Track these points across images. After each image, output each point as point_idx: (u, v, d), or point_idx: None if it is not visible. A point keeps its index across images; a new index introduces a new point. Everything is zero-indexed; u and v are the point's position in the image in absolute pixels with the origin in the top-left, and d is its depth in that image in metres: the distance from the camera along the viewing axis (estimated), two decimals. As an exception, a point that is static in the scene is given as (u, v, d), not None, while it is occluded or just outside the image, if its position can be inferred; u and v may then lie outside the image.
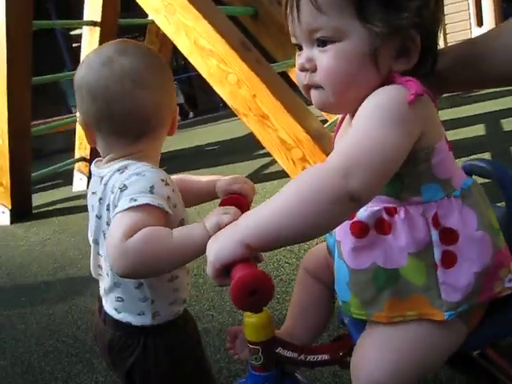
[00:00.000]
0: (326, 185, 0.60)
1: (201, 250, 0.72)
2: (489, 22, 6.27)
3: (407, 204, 0.71)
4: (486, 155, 2.97)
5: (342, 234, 0.75)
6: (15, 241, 3.28)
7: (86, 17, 3.98)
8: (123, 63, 0.84)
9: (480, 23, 6.43)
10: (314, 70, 0.71)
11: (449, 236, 0.71)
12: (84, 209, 3.19)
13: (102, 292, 0.94)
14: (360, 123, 0.66)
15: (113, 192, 0.82)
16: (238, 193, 0.92)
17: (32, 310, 2.14)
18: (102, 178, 0.87)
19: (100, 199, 0.86)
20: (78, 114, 0.92)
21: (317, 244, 1.00)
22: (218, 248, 0.63)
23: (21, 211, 3.75)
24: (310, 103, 0.80)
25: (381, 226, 0.72)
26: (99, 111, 0.84)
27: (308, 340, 0.96)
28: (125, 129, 0.86)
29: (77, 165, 4.42)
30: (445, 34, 6.42)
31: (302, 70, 0.73)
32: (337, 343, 0.92)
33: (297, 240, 0.64)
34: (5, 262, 2.91)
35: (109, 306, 0.92)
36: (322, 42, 0.69)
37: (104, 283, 0.92)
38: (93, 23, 3.94)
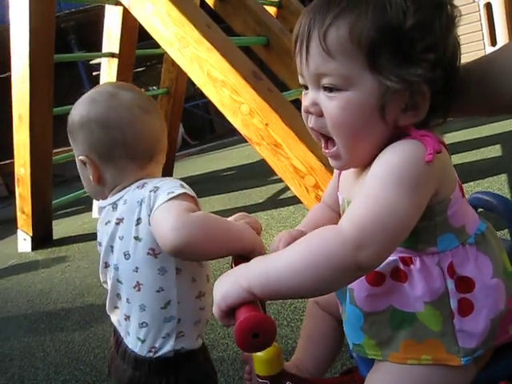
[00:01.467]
0: (338, 254, 0.59)
1: (243, 242, 0.82)
2: (503, 41, 6.26)
3: (423, 254, 0.70)
4: (503, 177, 2.94)
5: (354, 282, 0.72)
6: (36, 268, 3.35)
7: (105, 49, 4.11)
8: (128, 94, 0.93)
9: (494, 43, 6.42)
10: (319, 114, 0.69)
11: (465, 284, 0.70)
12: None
13: (121, 324, 0.94)
14: (374, 185, 0.64)
15: (142, 203, 0.86)
16: None
17: (51, 338, 2.18)
18: (115, 203, 0.92)
19: (120, 220, 0.89)
20: (75, 153, 0.97)
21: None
22: (225, 290, 0.64)
23: (42, 238, 3.83)
24: None
25: (397, 274, 0.71)
26: (113, 138, 0.90)
27: (317, 372, 0.96)
28: (137, 152, 0.93)
29: (96, 192, 4.49)
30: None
31: (306, 112, 0.71)
32: (346, 377, 0.92)
33: (299, 296, 0.66)
34: (25, 289, 2.97)
35: (131, 337, 0.92)
36: (329, 89, 0.67)
37: (124, 311, 0.92)
38: (111, 55, 4.06)
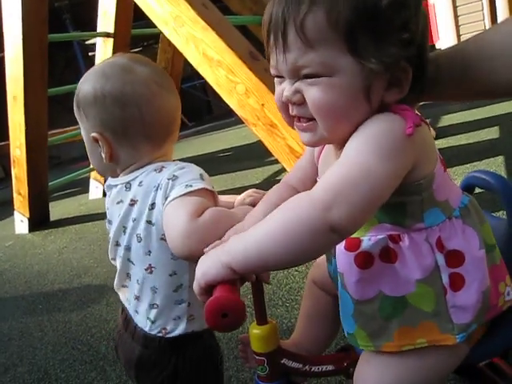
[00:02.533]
0: (308, 216, 0.59)
1: None
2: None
3: (410, 231, 0.70)
4: (500, 158, 2.93)
5: (344, 266, 0.73)
6: (33, 249, 3.36)
7: (100, 28, 4.06)
8: (143, 69, 0.88)
9: (494, 23, 6.36)
10: (301, 102, 0.68)
11: (454, 258, 0.70)
12: (100, 217, 3.23)
13: (130, 302, 0.94)
14: (350, 153, 0.64)
15: (158, 189, 0.83)
16: (253, 205, 0.93)
17: (49, 318, 2.20)
18: (128, 183, 0.89)
19: (134, 202, 0.87)
20: (83, 129, 0.92)
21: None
22: (206, 267, 0.64)
23: (39, 220, 3.83)
24: None
25: (386, 254, 0.70)
26: (129, 116, 0.86)
27: (316, 351, 0.97)
28: (154, 131, 0.89)
29: (93, 173, 4.49)
30: (458, 36, 6.38)
31: (288, 102, 0.69)
32: (341, 354, 0.93)
33: (279, 267, 0.64)
34: (23, 271, 2.98)
35: (141, 316, 0.92)
36: (310, 76, 0.66)
37: (134, 291, 0.91)
38: (106, 34, 4.01)
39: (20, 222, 3.81)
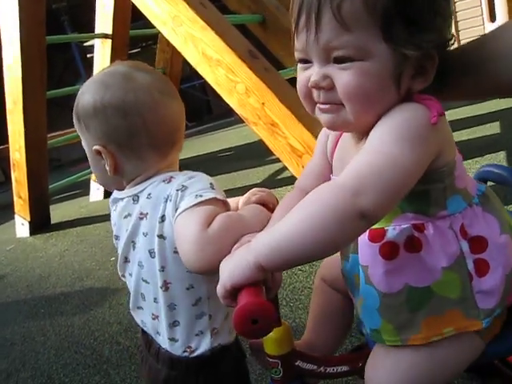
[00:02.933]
0: (336, 203, 0.59)
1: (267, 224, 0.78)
2: (502, 16, 6.19)
3: (434, 219, 0.70)
4: (501, 154, 2.92)
5: (368, 258, 0.73)
6: (34, 252, 3.35)
7: (98, 29, 4.04)
8: (145, 76, 0.85)
9: (493, 18, 6.34)
10: (330, 87, 0.67)
11: (478, 244, 0.71)
12: (101, 219, 3.22)
13: (148, 324, 0.90)
14: (375, 141, 0.65)
15: (167, 201, 0.80)
16: (259, 203, 0.91)
17: (51, 322, 2.18)
18: (136, 196, 0.85)
19: (144, 215, 0.83)
20: (85, 142, 0.88)
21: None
22: (232, 268, 0.63)
23: (39, 223, 3.82)
24: None
25: (411, 244, 0.70)
26: (133, 125, 0.82)
27: (329, 351, 0.96)
28: (159, 140, 0.86)
29: (93, 175, 4.48)
30: (457, 31, 6.35)
31: (316, 87, 0.68)
32: (356, 354, 0.92)
33: (308, 259, 0.63)
34: (24, 274, 2.97)
35: (163, 337, 0.88)
36: (341, 61, 0.65)
37: (152, 310, 0.88)
38: (104, 36, 4.00)
39: (21, 226, 3.80)
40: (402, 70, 0.66)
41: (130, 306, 0.93)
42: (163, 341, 0.88)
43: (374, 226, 0.68)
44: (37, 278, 2.85)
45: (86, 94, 0.85)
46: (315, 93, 0.69)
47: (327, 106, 0.69)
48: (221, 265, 0.66)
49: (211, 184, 0.82)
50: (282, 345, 0.80)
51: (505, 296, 0.72)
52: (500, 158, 2.86)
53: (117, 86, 0.83)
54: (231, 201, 0.95)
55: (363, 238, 0.73)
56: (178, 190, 0.80)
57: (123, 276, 0.94)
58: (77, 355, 1.84)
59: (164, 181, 0.84)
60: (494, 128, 3.62)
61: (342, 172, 0.63)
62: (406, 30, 0.64)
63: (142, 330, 0.94)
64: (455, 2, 6.53)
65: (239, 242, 0.72)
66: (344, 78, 0.65)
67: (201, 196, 0.78)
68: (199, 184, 0.81)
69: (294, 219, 0.61)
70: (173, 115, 0.87)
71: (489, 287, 0.71)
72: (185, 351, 0.86)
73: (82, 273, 2.72)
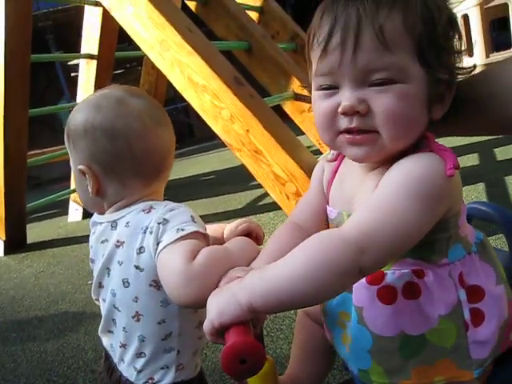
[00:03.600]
0: (340, 259, 0.58)
1: (254, 257, 0.77)
2: (479, 51, 6.40)
3: (434, 266, 0.69)
4: (481, 186, 2.98)
5: (364, 299, 0.72)
6: (8, 273, 3.25)
7: (83, 50, 4.04)
8: (137, 102, 0.85)
9: (470, 53, 6.55)
10: (366, 111, 0.64)
11: (475, 294, 0.70)
12: (79, 240, 3.14)
13: (115, 350, 0.89)
14: (388, 194, 0.63)
15: (146, 232, 0.79)
16: (245, 234, 0.91)
17: (23, 348, 2.11)
18: (114, 222, 0.84)
19: (120, 243, 0.82)
20: (72, 161, 0.88)
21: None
22: (222, 307, 0.61)
23: (15, 242, 3.72)
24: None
25: (410, 289, 0.69)
26: (119, 150, 0.82)
27: None
28: (144, 168, 0.85)
29: (72, 195, 4.41)
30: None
31: (349, 113, 0.65)
32: None
33: (301, 305, 0.63)
34: (-3, 296, 2.88)
35: (127, 365, 0.87)
36: (380, 83, 0.63)
37: (120, 339, 0.87)
38: (90, 56, 3.99)
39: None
40: (432, 94, 0.65)
41: (100, 329, 0.91)
42: (126, 369, 0.87)
43: None
44: (9, 299, 2.76)
45: (79, 114, 0.85)
46: (345, 120, 0.66)
47: (360, 137, 0.66)
48: (209, 300, 0.64)
49: (192, 217, 0.81)
50: (267, 381, 0.78)
51: (497, 347, 0.71)
52: (479, 189, 2.91)
53: (109, 109, 0.83)
54: (217, 226, 0.95)
55: (360, 280, 0.70)
56: (159, 224, 0.78)
57: (97, 300, 0.92)
58: None
59: (144, 210, 0.83)
60: (473, 159, 3.70)
61: (349, 220, 0.62)
62: (436, 53, 0.65)
63: (106, 355, 0.93)
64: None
65: (226, 276, 0.71)
66: (384, 101, 0.63)
67: (182, 230, 0.77)
68: (180, 217, 0.80)
69: (292, 265, 0.60)
70: (162, 144, 0.87)
71: (483, 338, 0.70)
72: (146, 382, 0.85)
73: (57, 296, 2.65)
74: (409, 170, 0.64)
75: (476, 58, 6.40)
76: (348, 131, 0.66)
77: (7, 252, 3.66)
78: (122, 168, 0.84)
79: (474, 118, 0.73)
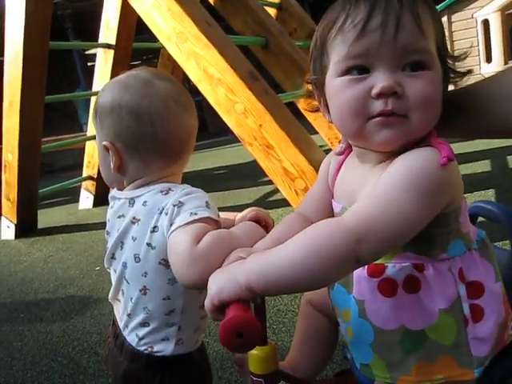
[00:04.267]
0: (338, 245, 0.59)
1: (258, 240, 0.78)
2: (497, 57, 6.34)
3: (434, 260, 0.70)
4: (490, 192, 2.96)
5: (366, 292, 0.72)
6: (18, 256, 3.31)
7: (101, 39, 4.08)
8: (164, 84, 0.88)
9: (489, 59, 6.50)
10: (402, 94, 0.65)
11: (475, 289, 0.71)
12: (88, 227, 3.18)
13: (121, 316, 0.93)
14: (389, 187, 0.63)
15: (162, 213, 0.82)
16: (254, 221, 0.92)
17: (30, 328, 2.15)
18: (132, 199, 0.87)
19: (136, 220, 0.85)
20: (98, 137, 0.91)
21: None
22: (221, 285, 0.63)
23: (26, 227, 3.78)
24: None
25: (410, 283, 0.70)
26: (142, 130, 0.85)
27: (312, 373, 0.96)
28: (166, 149, 0.88)
29: (84, 183, 4.46)
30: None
31: (386, 94, 0.65)
32: (339, 378, 0.92)
33: (297, 290, 0.65)
34: (6, 277, 2.92)
35: (130, 331, 0.90)
36: (414, 67, 0.65)
37: (127, 308, 0.90)
38: (107, 46, 4.03)
39: (6, 228, 3.76)
40: (444, 87, 0.69)
41: (109, 296, 0.95)
42: (128, 334, 0.90)
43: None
44: (19, 282, 2.81)
45: (107, 92, 0.88)
46: (379, 103, 0.65)
47: (391, 119, 0.66)
48: (210, 278, 0.66)
49: (207, 202, 0.83)
50: (266, 364, 0.80)
51: (495, 345, 0.72)
52: (489, 195, 2.90)
53: (136, 89, 0.86)
54: (227, 214, 0.98)
55: (361, 273, 0.72)
56: (174, 206, 0.81)
57: (108, 269, 0.96)
58: (53, 363, 1.80)
59: (162, 191, 0.85)
60: (484, 166, 3.68)
61: (350, 210, 0.63)
62: (446, 53, 0.70)
63: (113, 321, 0.97)
64: (453, 41, 6.69)
65: (229, 256, 0.72)
66: (419, 85, 0.65)
67: (195, 214, 0.79)
68: (196, 201, 0.82)
69: (292, 250, 0.61)
70: (184, 127, 0.89)
71: (483, 334, 0.70)
72: (147, 349, 0.89)
73: (65, 280, 2.69)
74: (408, 163, 0.65)
75: (494, 64, 6.35)
76: (381, 114, 0.66)
77: (18, 236, 3.72)
78: (144, 147, 0.86)
79: (476, 121, 0.75)
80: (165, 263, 0.83)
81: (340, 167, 0.82)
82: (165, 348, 0.88)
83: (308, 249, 0.60)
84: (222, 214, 0.95)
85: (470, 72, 0.74)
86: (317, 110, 0.81)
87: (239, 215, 0.96)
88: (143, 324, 0.88)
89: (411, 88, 0.65)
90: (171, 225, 0.79)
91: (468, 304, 0.70)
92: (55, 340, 1.99)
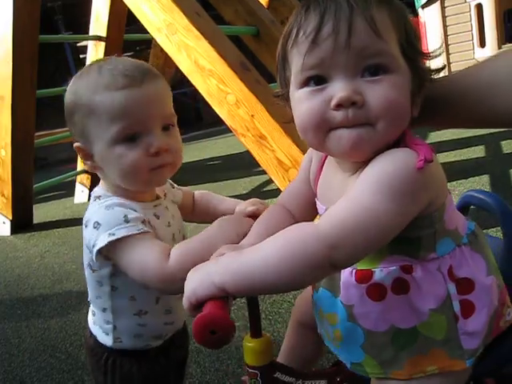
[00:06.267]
0: (311, 251, 0.59)
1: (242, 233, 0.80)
2: (491, 42, 6.32)
3: (423, 261, 0.69)
4: (485, 178, 2.97)
5: (354, 298, 0.71)
6: (14, 252, 3.30)
7: (92, 31, 4.04)
8: (93, 74, 0.85)
9: (483, 44, 6.47)
10: (362, 103, 0.62)
11: (465, 286, 0.70)
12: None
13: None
14: (362, 190, 0.62)
15: (86, 226, 0.84)
16: (253, 215, 0.92)
17: (27, 324, 2.15)
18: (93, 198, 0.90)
19: (84, 223, 0.87)
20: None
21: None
22: (196, 285, 0.63)
23: (21, 222, 3.77)
24: None
25: (399, 285, 0.69)
26: (81, 123, 0.85)
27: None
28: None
29: (79, 177, 4.45)
30: (448, 55, 6.46)
31: (344, 105, 0.62)
32: (334, 368, 0.92)
33: (269, 292, 0.67)
34: (3, 274, 2.92)
35: (89, 314, 0.98)
36: (374, 72, 0.62)
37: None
38: (98, 38, 4.00)
39: (2, 224, 3.75)
40: (413, 90, 0.66)
41: None
42: (89, 317, 0.99)
43: (360, 267, 0.69)
44: (15, 278, 2.81)
45: (66, 93, 0.88)
46: (339, 114, 0.62)
47: (354, 129, 0.63)
48: (188, 275, 0.66)
49: (125, 217, 0.81)
50: (261, 356, 0.80)
51: (487, 335, 0.72)
52: (484, 181, 2.91)
53: (72, 84, 0.87)
54: (233, 201, 1.03)
55: (349, 279, 0.71)
56: (93, 225, 0.82)
57: None
58: (52, 359, 1.81)
59: (94, 198, 0.89)
60: (479, 152, 3.69)
61: (325, 215, 0.63)
62: (414, 51, 0.67)
63: None
64: (446, 27, 6.65)
65: (216, 253, 0.72)
66: (380, 91, 0.61)
67: (113, 235, 0.79)
68: (112, 220, 0.82)
69: (266, 253, 0.61)
70: (114, 105, 0.81)
71: (474, 329, 0.70)
72: (95, 336, 0.95)
73: (61, 275, 2.69)
74: (382, 166, 0.62)
75: (488, 49, 6.33)
76: (342, 126, 0.63)
77: (14, 231, 3.71)
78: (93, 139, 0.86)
79: (465, 110, 0.73)
80: (90, 267, 0.88)
81: (322, 165, 0.80)
82: (106, 341, 0.93)
83: (283, 253, 0.60)
84: (227, 201, 1.02)
85: (443, 68, 0.72)
86: (292, 121, 0.75)
87: (237, 208, 0.98)
88: (93, 312, 0.96)
89: (372, 95, 0.62)
90: (93, 246, 0.81)
91: (458, 300, 0.70)
92: (53, 336, 2.00)
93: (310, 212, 0.84)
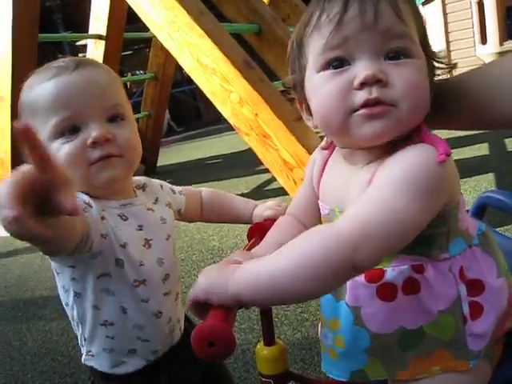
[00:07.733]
0: (334, 255, 0.56)
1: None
2: (493, 39, 6.30)
3: (435, 261, 0.67)
4: (490, 175, 2.95)
5: (363, 298, 0.69)
6: (15, 253, 3.27)
7: (92, 30, 4.01)
8: (34, 75, 0.85)
9: (484, 41, 6.45)
10: (386, 82, 0.61)
11: (475, 287, 0.69)
12: (84, 223, 3.07)
13: None
14: (382, 188, 0.60)
15: None
16: (271, 219, 0.90)
17: (28, 326, 2.12)
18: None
19: None
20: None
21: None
22: (210, 285, 0.60)
23: (21, 222, 3.74)
24: None
25: (410, 285, 0.68)
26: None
27: None
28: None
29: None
30: (449, 52, 6.44)
31: (369, 83, 0.60)
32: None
33: (290, 302, 0.63)
34: (3, 275, 2.90)
35: None
36: (395, 56, 0.62)
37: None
38: (98, 37, 3.97)
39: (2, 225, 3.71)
40: (430, 79, 0.66)
41: None
42: None
43: None
44: (16, 279, 2.78)
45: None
46: (362, 93, 0.61)
47: (379, 108, 0.61)
48: (203, 271, 0.63)
49: None
50: (275, 364, 0.78)
51: (492, 337, 0.70)
52: (489, 179, 2.88)
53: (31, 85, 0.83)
54: (244, 201, 1.00)
55: (358, 279, 0.69)
56: None
57: None
58: (54, 363, 1.78)
59: None
60: (483, 149, 3.67)
61: (344, 216, 0.60)
62: (428, 43, 0.67)
63: None
64: (448, 23, 6.63)
65: (226, 258, 0.68)
66: (403, 73, 0.61)
67: None
68: None
69: (284, 262, 0.58)
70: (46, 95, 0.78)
71: (481, 331, 0.69)
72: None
73: (62, 276, 2.66)
74: (403, 164, 0.61)
75: (490, 46, 6.31)
76: (365, 105, 0.61)
77: (14, 232, 3.68)
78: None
79: (472, 111, 0.72)
80: (55, 270, 0.82)
81: (325, 165, 0.78)
82: (82, 351, 0.87)
83: (302, 259, 0.57)
84: (236, 200, 1.00)
85: (454, 66, 0.72)
86: (300, 118, 0.74)
87: (257, 210, 0.96)
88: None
89: (396, 76, 0.61)
90: None
91: (467, 302, 0.68)
92: (55, 338, 1.97)
93: (317, 217, 0.81)
